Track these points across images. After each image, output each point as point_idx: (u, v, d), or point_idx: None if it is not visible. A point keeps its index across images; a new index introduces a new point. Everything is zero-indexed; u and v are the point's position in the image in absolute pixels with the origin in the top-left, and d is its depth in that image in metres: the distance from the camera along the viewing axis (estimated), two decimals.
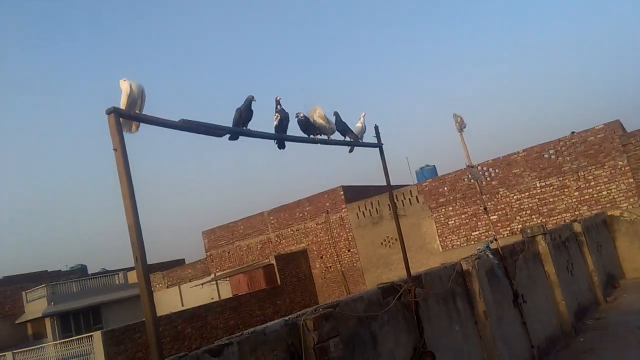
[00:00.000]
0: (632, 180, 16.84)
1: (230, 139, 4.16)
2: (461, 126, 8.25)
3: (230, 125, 4.19)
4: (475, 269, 6.65)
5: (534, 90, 69.46)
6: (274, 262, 22.75)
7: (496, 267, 7.29)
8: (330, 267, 23.71)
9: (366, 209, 22.48)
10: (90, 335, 16.34)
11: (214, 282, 25.57)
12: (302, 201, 24.81)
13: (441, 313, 5.95)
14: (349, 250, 23.11)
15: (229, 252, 27.33)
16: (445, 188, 20.45)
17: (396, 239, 21.37)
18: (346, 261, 23.17)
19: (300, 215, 24.76)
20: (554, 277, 9.25)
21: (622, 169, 17.00)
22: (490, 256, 7.33)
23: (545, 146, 18.48)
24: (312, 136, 4.98)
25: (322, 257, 23.98)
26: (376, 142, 5.81)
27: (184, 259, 38.59)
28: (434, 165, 26.39)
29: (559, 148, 18.16)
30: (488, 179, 19.44)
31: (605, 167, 17.30)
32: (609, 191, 17.23)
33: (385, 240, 21.69)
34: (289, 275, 22.86)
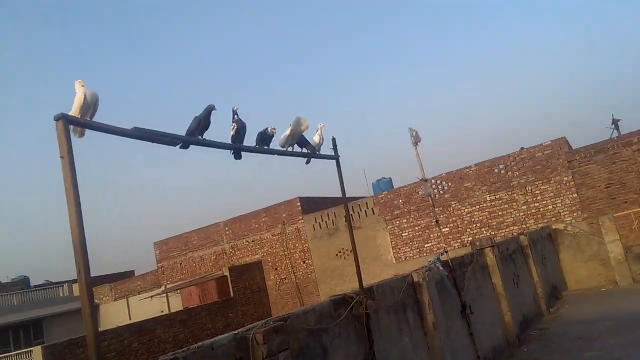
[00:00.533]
0: (576, 195, 17.67)
1: (181, 147, 4.10)
2: (416, 140, 8.44)
3: (185, 133, 4.14)
4: (425, 280, 6.77)
5: (488, 106, 72.04)
6: (227, 273, 22.39)
7: (446, 279, 7.45)
8: (285, 278, 23.58)
9: (323, 221, 22.55)
10: (30, 351, 15.53)
11: (165, 294, 24.88)
12: (260, 212, 24.64)
13: (392, 325, 6.01)
14: (304, 262, 23.06)
15: (181, 264, 26.74)
16: (401, 200, 20.82)
17: (351, 251, 21.45)
18: (301, 273, 23.11)
19: (257, 226, 24.56)
20: (500, 289, 9.54)
21: (567, 184, 17.82)
22: (441, 268, 7.49)
23: (495, 161, 19.15)
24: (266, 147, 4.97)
25: (277, 269, 23.82)
26: (333, 154, 5.86)
27: (133, 271, 37.39)
28: (391, 178, 26.83)
29: (509, 163, 18.85)
30: (441, 192, 19.95)
31: (551, 182, 18.08)
32: (555, 206, 18.00)
33: (340, 252, 21.80)
34: (242, 287, 22.55)
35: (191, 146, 4.15)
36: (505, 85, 72.17)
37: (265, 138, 4.94)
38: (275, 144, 5.07)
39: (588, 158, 17.69)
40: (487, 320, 8.73)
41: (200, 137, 4.17)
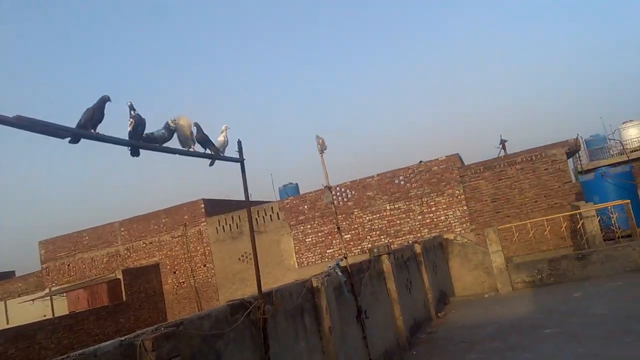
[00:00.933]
0: (465, 207, 19.04)
1: (70, 141, 3.80)
2: (322, 148, 8.60)
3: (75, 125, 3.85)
4: (324, 285, 6.90)
5: (394, 118, 75.40)
6: (120, 276, 21.19)
7: (343, 285, 7.64)
8: (183, 282, 22.81)
9: (226, 224, 22.17)
10: None
11: (48, 297, 22.96)
12: (159, 212, 23.64)
13: (289, 329, 6.05)
14: (204, 265, 22.49)
15: (69, 265, 24.85)
16: (306, 206, 21.09)
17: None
18: (201, 277, 22.50)
19: (156, 227, 23.53)
20: (394, 294, 9.99)
21: (459, 197, 19.15)
22: (340, 274, 7.67)
23: (396, 172, 20.09)
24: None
25: (175, 272, 22.99)
26: (238, 157, 5.77)
27: (14, 271, 34.09)
28: (297, 184, 27.16)
29: (408, 175, 19.87)
30: (345, 199, 20.53)
31: (445, 194, 19.33)
32: (447, 216, 19.27)
33: (243, 256, 21.56)
34: (137, 291, 21.45)
35: (82, 140, 3.87)
36: (410, 101, 76.10)
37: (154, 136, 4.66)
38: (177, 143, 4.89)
39: (477, 174, 19.17)
40: (380, 324, 9.09)
41: (92, 131, 3.90)
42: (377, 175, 20.37)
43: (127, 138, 4.35)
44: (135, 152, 4.50)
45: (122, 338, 3.86)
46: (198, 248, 22.64)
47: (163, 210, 23.58)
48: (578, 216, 15.39)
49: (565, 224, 16.46)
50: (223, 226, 22.20)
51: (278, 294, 5.99)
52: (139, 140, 4.44)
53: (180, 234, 22.94)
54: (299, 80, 79.10)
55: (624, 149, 24.30)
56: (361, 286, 8.70)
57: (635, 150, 23.38)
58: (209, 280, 22.29)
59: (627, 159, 22.07)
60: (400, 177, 20.02)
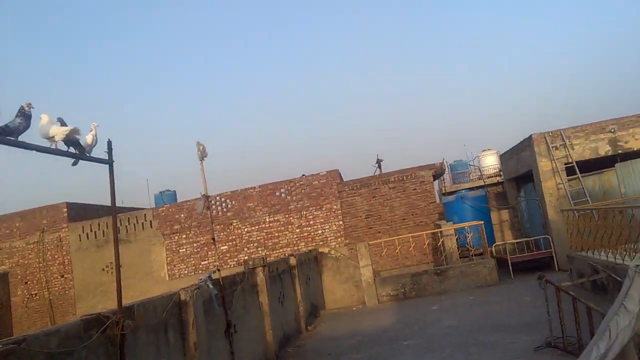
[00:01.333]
0: (341, 222, 19.77)
1: None
2: (202, 155, 8.40)
3: None
4: (193, 299, 6.68)
5: (276, 130, 75.99)
6: None
7: (214, 298, 7.47)
8: (35, 294, 20.58)
9: (91, 231, 20.51)
10: None
11: None
12: (13, 215, 21.15)
13: (149, 345, 5.74)
14: (62, 276, 20.51)
15: None
16: (182, 215, 20.32)
17: (121, 265, 19.98)
18: (57, 288, 20.48)
19: (7, 232, 21.01)
20: (266, 307, 9.99)
21: (335, 212, 19.83)
22: (211, 286, 7.48)
23: (278, 185, 20.25)
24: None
25: (27, 283, 20.67)
26: (107, 158, 5.38)
27: None
28: (175, 191, 26.06)
29: (289, 188, 20.14)
30: (224, 209, 20.17)
31: (323, 209, 19.90)
32: (324, 230, 19.83)
33: (107, 267, 20.06)
34: None
35: None
36: (296, 117, 77.46)
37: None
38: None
39: (354, 190, 20.06)
40: (249, 338, 9.01)
41: None
42: (259, 186, 20.35)
43: None
44: None
45: None
46: (56, 256, 20.62)
47: (17, 213, 21.15)
48: (439, 234, 16.78)
49: (428, 241, 17.83)
50: (87, 233, 20.51)
51: (141, 308, 5.67)
52: None
53: (36, 240, 20.71)
54: (185, 85, 76.55)
55: (481, 174, 27.07)
56: (233, 299, 8.57)
57: (490, 177, 26.15)
58: (66, 292, 20.37)
59: (483, 183, 24.60)
60: (282, 190, 20.21)
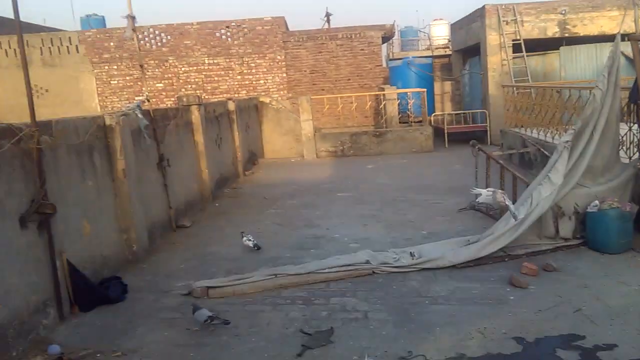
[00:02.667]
0: (285, 75, 19.05)
1: None
2: None
3: None
4: (119, 125, 6.20)
5: None
6: None
7: (144, 128, 7.00)
8: None
9: (10, 47, 18.47)
10: None
11: None
12: None
13: (73, 166, 5.36)
14: None
15: None
16: (112, 43, 18.61)
17: (47, 90, 18.58)
18: None
19: None
20: (202, 147, 9.70)
21: (279, 63, 18.97)
22: (140, 116, 6.97)
23: (218, 24, 18.74)
24: None
25: None
26: None
27: None
28: (104, 17, 23.57)
29: (231, 30, 18.74)
30: (159, 44, 18.67)
31: (266, 58, 18.93)
32: (266, 81, 19.10)
33: (34, 90, 18.46)
34: None
35: None
36: None
37: None
38: None
39: (300, 42, 19.06)
40: (184, 174, 8.82)
41: None
42: (198, 23, 18.73)
43: None
44: None
45: None
46: None
47: None
48: (382, 97, 16.68)
49: (370, 103, 17.72)
50: (6, 50, 18.48)
51: (60, 125, 5.15)
52: None
53: None
54: None
55: (430, 44, 26.54)
56: (165, 134, 8.15)
57: (438, 48, 25.70)
58: None
59: (431, 53, 24.21)
60: (222, 31, 18.78)
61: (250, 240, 6.67)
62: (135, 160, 6.65)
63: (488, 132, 16.43)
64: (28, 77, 4.91)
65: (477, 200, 6.68)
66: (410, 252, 5.85)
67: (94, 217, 5.64)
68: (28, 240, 4.44)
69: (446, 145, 16.14)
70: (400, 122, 16.85)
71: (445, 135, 16.53)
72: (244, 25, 18.75)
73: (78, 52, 18.53)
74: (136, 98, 18.71)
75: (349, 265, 5.52)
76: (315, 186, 10.88)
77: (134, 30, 7.61)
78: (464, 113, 18.25)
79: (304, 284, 5.29)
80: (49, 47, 18.29)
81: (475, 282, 5.21)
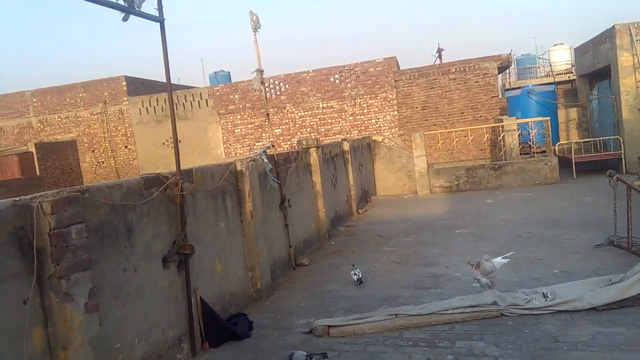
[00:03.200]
0: (396, 112, 19.21)
1: None
2: (256, 25, 7.94)
3: None
4: (248, 170, 6.70)
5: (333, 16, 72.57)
6: (33, 150, 19.83)
7: (269, 172, 7.49)
8: (102, 162, 21.82)
9: (150, 105, 20.98)
10: None
11: None
12: (76, 85, 21.81)
13: (209, 209, 5.88)
14: (126, 147, 21.51)
15: None
16: (237, 96, 20.30)
17: (180, 141, 20.61)
18: (122, 158, 21.60)
19: (72, 101, 21.82)
20: (319, 187, 10.06)
21: (391, 101, 19.20)
22: (265, 160, 7.49)
23: (332, 70, 19.60)
24: None
25: (94, 151, 21.85)
26: (157, 15, 5.09)
27: None
28: (229, 72, 25.92)
29: (344, 74, 19.47)
30: (278, 93, 19.94)
31: (378, 97, 19.30)
32: (377, 120, 19.41)
33: (167, 141, 20.73)
34: (52, 166, 20.28)
35: None
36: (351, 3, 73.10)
37: None
38: None
39: (412, 80, 19.16)
40: (303, 214, 9.19)
41: None
42: (313, 70, 19.78)
43: None
44: None
45: (17, 198, 3.47)
46: (119, 128, 21.46)
47: (80, 83, 21.77)
48: (500, 129, 16.02)
49: (487, 135, 17.12)
50: (147, 108, 21.02)
51: (198, 173, 5.72)
52: None
53: (99, 111, 21.49)
54: None
55: (551, 70, 25.10)
56: (287, 176, 8.62)
57: (560, 74, 24.22)
58: (131, 162, 21.47)
59: (552, 80, 22.86)
60: (336, 75, 19.61)
61: (356, 274, 6.81)
62: (261, 202, 7.11)
63: (623, 161, 14.92)
64: (176, 132, 5.49)
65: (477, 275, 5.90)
66: (543, 293, 5.45)
67: (224, 256, 6.08)
68: (169, 279, 4.91)
69: (574, 176, 14.94)
70: (521, 154, 15.99)
71: (573, 165, 15.32)
72: (356, 69, 19.40)
73: (207, 105, 20.47)
74: (256, 144, 20.12)
75: (474, 306, 5.29)
76: (431, 223, 10.65)
77: (262, 83, 8.23)
78: (593, 141, 16.81)
79: (425, 325, 5.17)
80: (183, 103, 20.43)
81: (621, 326, 4.69)
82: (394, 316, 5.30)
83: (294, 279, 7.64)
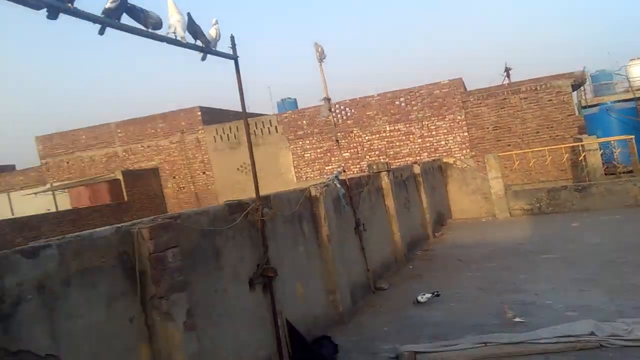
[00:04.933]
0: (466, 134, 18.76)
1: (48, 17, 3.31)
2: (321, 56, 8.13)
3: None
4: (322, 195, 6.77)
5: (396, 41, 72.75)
6: (120, 177, 21.17)
7: (342, 196, 7.53)
8: (183, 187, 22.89)
9: (224, 133, 21.86)
10: None
11: (51, 192, 23.09)
12: (155, 117, 23.19)
13: (287, 234, 5.98)
14: (204, 173, 22.48)
15: (68, 162, 24.65)
16: (304, 121, 20.70)
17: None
18: (201, 183, 22.57)
19: (153, 131, 23.19)
20: (392, 210, 9.95)
21: (460, 123, 18.81)
22: (338, 185, 7.54)
23: (397, 93, 19.57)
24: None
25: (175, 177, 22.99)
26: (232, 53, 5.34)
27: (14, 165, 33.92)
28: (296, 99, 26.55)
29: (409, 97, 19.38)
30: (344, 117, 20.14)
31: (446, 119, 18.98)
32: (447, 141, 19.05)
33: (241, 167, 21.41)
34: (137, 192, 21.51)
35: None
36: (415, 24, 73.05)
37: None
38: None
39: (480, 100, 18.70)
40: (378, 238, 9.11)
41: (69, 4, 3.36)
42: (378, 95, 19.84)
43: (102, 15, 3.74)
44: (102, 30, 3.84)
45: (119, 225, 3.71)
46: (197, 155, 22.51)
47: (159, 114, 23.13)
48: (580, 149, 15.17)
49: (567, 155, 16.26)
50: (221, 135, 21.90)
51: (276, 199, 5.85)
52: (118, 19, 3.83)
53: (177, 140, 22.67)
54: None
55: (630, 85, 23.57)
56: (360, 200, 8.62)
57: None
58: (209, 187, 22.38)
59: (632, 96, 21.43)
60: (402, 99, 19.54)
61: (423, 296, 7.06)
62: (337, 226, 7.14)
63: None
64: (253, 160, 5.68)
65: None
66: None
67: (305, 279, 6.13)
68: (256, 300, 5.02)
69: None
70: (605, 174, 15.02)
71: None
72: (421, 91, 19.26)
73: (277, 132, 21.02)
74: (326, 168, 20.33)
75: (570, 336, 4.95)
76: (513, 247, 10.16)
77: (330, 109, 8.37)
78: None
79: (517, 355, 4.89)
80: (254, 130, 21.11)
81: None
82: (483, 345, 5.08)
83: (374, 303, 7.54)
